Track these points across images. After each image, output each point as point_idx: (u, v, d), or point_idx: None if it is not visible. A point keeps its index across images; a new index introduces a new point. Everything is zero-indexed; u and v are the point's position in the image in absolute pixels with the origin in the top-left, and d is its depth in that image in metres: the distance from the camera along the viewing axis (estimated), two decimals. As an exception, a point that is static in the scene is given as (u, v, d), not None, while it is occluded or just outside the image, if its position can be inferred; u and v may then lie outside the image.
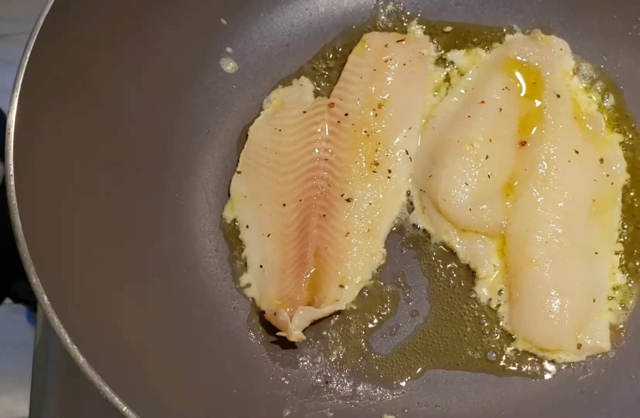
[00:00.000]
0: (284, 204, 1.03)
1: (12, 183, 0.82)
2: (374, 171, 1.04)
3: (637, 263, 1.01)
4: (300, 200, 1.03)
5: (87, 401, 1.08)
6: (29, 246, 0.79)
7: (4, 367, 1.73)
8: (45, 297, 0.76)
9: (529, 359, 0.97)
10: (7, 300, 1.78)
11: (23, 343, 1.73)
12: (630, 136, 1.08)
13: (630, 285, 1.00)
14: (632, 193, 1.05)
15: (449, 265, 1.03)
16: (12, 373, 1.72)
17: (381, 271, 1.02)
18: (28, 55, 0.87)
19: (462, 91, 1.10)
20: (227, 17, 1.13)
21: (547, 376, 0.97)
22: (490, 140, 1.04)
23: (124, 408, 0.73)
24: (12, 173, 0.82)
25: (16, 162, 0.82)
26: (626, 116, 1.09)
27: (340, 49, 1.16)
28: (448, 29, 1.16)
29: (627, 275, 1.00)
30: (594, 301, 0.97)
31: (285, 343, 0.97)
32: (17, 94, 0.85)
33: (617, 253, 1.01)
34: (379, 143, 1.06)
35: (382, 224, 1.02)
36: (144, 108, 1.04)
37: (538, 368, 0.97)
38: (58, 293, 0.78)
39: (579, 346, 0.95)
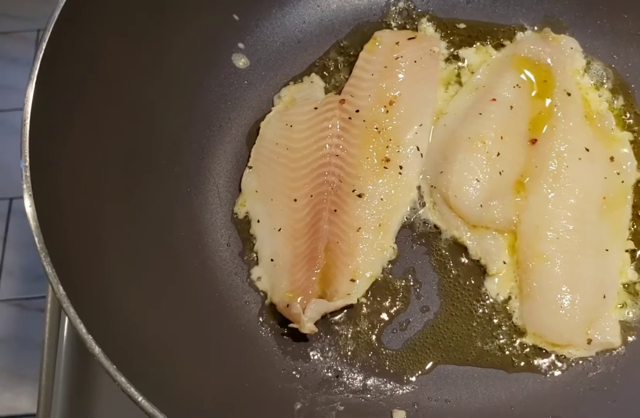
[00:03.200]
0: (295, 200, 1.04)
1: (28, 174, 0.82)
2: (385, 167, 1.05)
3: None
4: (312, 195, 1.04)
5: (96, 396, 1.08)
6: (44, 236, 0.79)
7: (5, 362, 1.72)
8: (61, 287, 0.76)
9: (539, 355, 0.97)
10: (8, 295, 1.78)
11: (23, 339, 1.73)
12: (641, 135, 1.09)
13: (640, 283, 1.01)
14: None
15: (459, 261, 1.03)
16: (13, 369, 1.72)
17: (392, 267, 1.03)
18: (44, 47, 0.87)
19: (473, 89, 1.11)
20: (239, 13, 1.13)
21: (557, 372, 0.97)
22: (501, 137, 1.05)
23: (140, 398, 0.73)
24: (27, 164, 0.82)
25: (32, 153, 0.83)
26: (637, 114, 1.10)
27: (351, 46, 1.17)
28: (459, 26, 1.16)
29: (638, 272, 1.01)
30: (604, 297, 0.97)
31: (296, 337, 0.97)
32: (32, 85, 0.85)
33: (627, 251, 1.02)
34: (390, 139, 1.06)
35: (393, 219, 1.03)
36: (157, 103, 1.04)
37: (548, 364, 0.97)
38: (73, 284, 0.78)
39: (589, 341, 0.95)
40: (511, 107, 1.07)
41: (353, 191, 1.03)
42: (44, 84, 0.86)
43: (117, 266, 0.90)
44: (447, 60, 1.14)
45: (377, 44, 1.14)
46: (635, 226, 1.03)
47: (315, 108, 1.10)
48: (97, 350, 0.74)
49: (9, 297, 1.80)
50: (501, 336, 0.99)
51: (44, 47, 0.87)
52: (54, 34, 0.88)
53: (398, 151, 1.06)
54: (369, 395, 0.96)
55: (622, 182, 1.04)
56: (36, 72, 0.86)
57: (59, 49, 0.88)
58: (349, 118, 1.08)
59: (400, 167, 1.05)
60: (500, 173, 1.03)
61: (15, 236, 1.87)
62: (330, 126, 1.08)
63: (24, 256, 1.84)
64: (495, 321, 0.99)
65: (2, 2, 2.04)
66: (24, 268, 1.84)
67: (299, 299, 0.96)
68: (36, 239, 0.78)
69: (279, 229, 1.02)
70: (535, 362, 0.97)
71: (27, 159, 0.82)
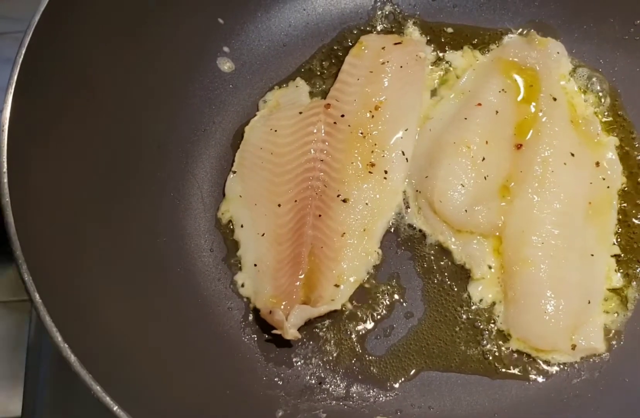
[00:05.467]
0: (279, 205, 1.03)
1: (5, 180, 0.81)
2: (370, 172, 1.04)
3: (634, 266, 1.01)
4: (296, 201, 1.03)
5: (80, 400, 1.07)
6: (22, 244, 0.78)
7: (-2, 365, 1.71)
8: (37, 295, 0.76)
9: (523, 361, 0.97)
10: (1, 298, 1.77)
11: (17, 340, 1.72)
12: (626, 140, 1.08)
13: (626, 288, 1.00)
14: (628, 197, 1.05)
15: (443, 266, 1.02)
16: (5, 371, 1.71)
17: (376, 272, 1.02)
18: (23, 52, 0.86)
19: (459, 93, 1.10)
20: (224, 17, 1.13)
21: (541, 379, 0.96)
22: (486, 142, 1.04)
23: (115, 408, 0.72)
24: (5, 170, 0.81)
25: (10, 159, 0.82)
26: (623, 119, 1.10)
27: (337, 50, 1.16)
28: (445, 30, 1.16)
29: (624, 278, 1.00)
30: (589, 302, 0.97)
31: (279, 343, 0.97)
32: (11, 91, 0.84)
33: (613, 256, 1.01)
34: (375, 144, 1.05)
35: (378, 224, 1.02)
36: (140, 107, 1.03)
37: (532, 371, 0.97)
38: (50, 292, 0.78)
39: (574, 347, 0.95)
40: (497, 112, 1.07)
41: (338, 196, 1.02)
42: (24, 89, 0.85)
43: (97, 272, 0.89)
44: (433, 64, 1.14)
45: (363, 48, 1.13)
46: (620, 231, 1.03)
47: (300, 113, 1.09)
48: (72, 358, 0.73)
49: (0, 299, 1.79)
50: (485, 342, 0.98)
51: (23, 52, 0.86)
52: (34, 39, 0.87)
53: (383, 156, 1.05)
54: (351, 402, 0.95)
55: (608, 187, 1.04)
56: (15, 77, 0.85)
57: (40, 54, 0.87)
58: (334, 123, 1.07)
59: (386, 172, 1.04)
60: (485, 177, 1.03)
61: (6, 239, 1.86)
62: (315, 130, 1.07)
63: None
64: (480, 327, 0.99)
65: (-6, 4, 2.03)
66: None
67: (282, 304, 0.95)
68: (13, 246, 0.77)
69: (263, 235, 1.02)
70: (519, 368, 0.97)
71: (5, 165, 0.81)
